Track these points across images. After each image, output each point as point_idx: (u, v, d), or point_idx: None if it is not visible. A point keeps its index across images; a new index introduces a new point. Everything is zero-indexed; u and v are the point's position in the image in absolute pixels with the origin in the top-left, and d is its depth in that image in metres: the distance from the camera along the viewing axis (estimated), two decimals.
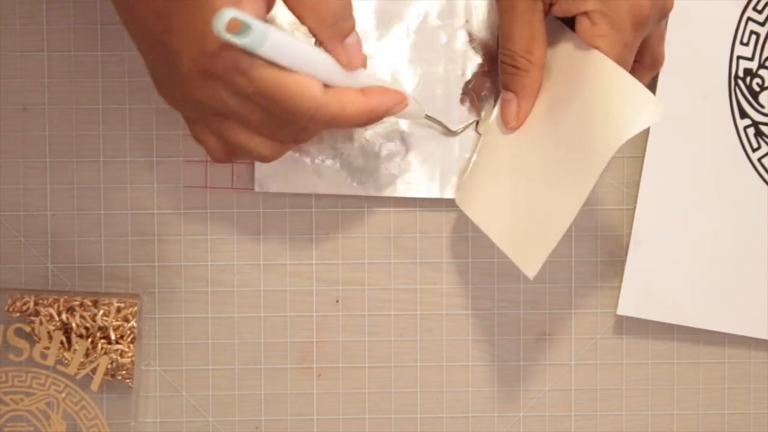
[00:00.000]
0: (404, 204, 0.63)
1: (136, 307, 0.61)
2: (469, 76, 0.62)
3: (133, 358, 0.61)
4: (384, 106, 0.56)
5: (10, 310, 0.61)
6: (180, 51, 0.52)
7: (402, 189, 0.62)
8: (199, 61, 0.51)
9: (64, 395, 0.62)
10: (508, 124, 0.60)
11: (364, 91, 0.55)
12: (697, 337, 0.65)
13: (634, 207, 0.64)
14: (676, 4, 0.62)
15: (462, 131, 0.62)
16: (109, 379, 0.62)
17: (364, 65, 0.56)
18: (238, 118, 0.54)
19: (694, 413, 0.65)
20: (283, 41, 0.50)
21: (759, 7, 0.63)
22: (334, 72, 0.53)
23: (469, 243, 0.64)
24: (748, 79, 0.63)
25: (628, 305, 0.64)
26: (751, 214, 0.64)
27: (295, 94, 0.52)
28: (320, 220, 0.63)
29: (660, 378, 0.65)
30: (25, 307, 0.61)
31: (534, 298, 0.64)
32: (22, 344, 0.61)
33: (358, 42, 0.55)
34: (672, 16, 0.63)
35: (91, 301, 0.61)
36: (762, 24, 0.63)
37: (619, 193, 0.64)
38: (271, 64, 0.51)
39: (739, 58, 0.63)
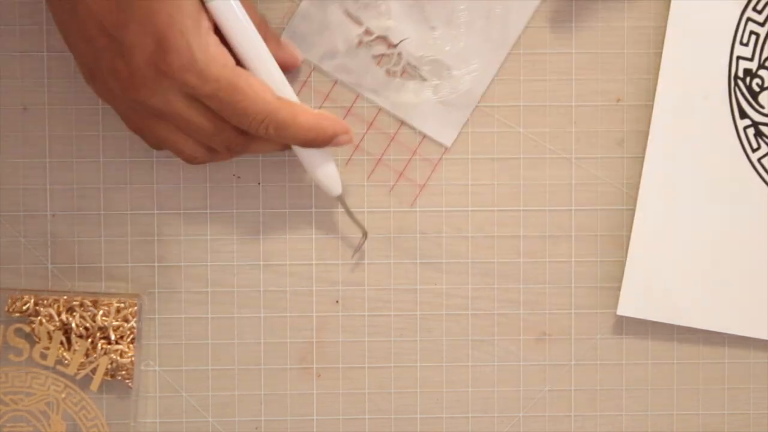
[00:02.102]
0: (404, 204, 0.63)
1: (136, 308, 0.61)
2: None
3: (132, 359, 0.61)
4: (332, 129, 0.57)
5: (10, 310, 0.61)
6: (134, 46, 0.52)
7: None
8: (154, 57, 0.52)
9: (64, 395, 0.62)
10: None
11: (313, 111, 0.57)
12: (697, 337, 0.65)
13: (634, 207, 0.64)
14: (675, 3, 0.63)
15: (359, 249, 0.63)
16: (109, 379, 0.62)
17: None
18: (177, 120, 0.55)
19: (694, 413, 0.65)
20: (234, 8, 0.53)
21: (759, 8, 0.63)
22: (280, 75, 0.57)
23: (469, 243, 0.64)
24: (747, 80, 0.63)
25: (628, 305, 0.64)
26: (751, 214, 0.64)
27: (248, 96, 0.54)
28: (320, 220, 0.63)
29: (660, 378, 0.65)
30: (25, 307, 0.61)
31: (534, 298, 0.64)
32: (22, 344, 0.61)
33: (291, 43, 0.60)
34: (672, 16, 0.63)
35: (91, 301, 0.61)
36: (762, 24, 0.63)
37: (619, 193, 0.64)
38: (226, 64, 0.53)
39: (738, 58, 0.63)
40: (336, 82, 0.62)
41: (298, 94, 0.60)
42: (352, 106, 0.63)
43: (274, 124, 0.55)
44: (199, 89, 0.53)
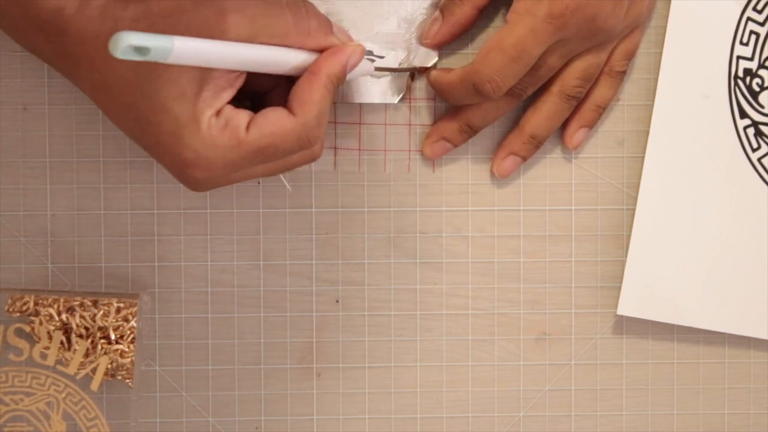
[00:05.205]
0: (404, 204, 0.63)
1: (135, 307, 0.61)
2: None
3: (133, 358, 0.61)
4: (339, 65, 0.55)
5: (10, 310, 0.61)
6: (163, 165, 0.54)
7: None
8: (181, 174, 0.53)
9: (64, 395, 0.62)
10: (423, 39, 0.61)
11: (312, 70, 0.54)
12: (697, 337, 0.65)
13: (634, 207, 0.64)
14: (675, 3, 0.62)
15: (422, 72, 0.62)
16: (109, 379, 0.62)
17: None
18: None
19: (694, 413, 0.65)
20: (199, 44, 0.49)
21: (759, 7, 0.63)
22: (270, 55, 0.53)
23: (469, 243, 0.64)
24: (747, 79, 0.63)
25: (628, 305, 0.64)
26: (750, 214, 0.64)
27: (276, 145, 0.53)
28: (320, 220, 0.63)
29: (660, 378, 0.65)
30: (25, 307, 0.61)
31: (534, 298, 0.64)
32: (22, 344, 0.61)
33: (340, 28, 0.57)
34: (672, 16, 0.63)
35: (91, 301, 0.61)
36: (762, 24, 0.63)
37: (619, 193, 0.64)
38: (239, 142, 0.52)
39: (739, 58, 0.63)
40: None
41: None
42: (335, 120, 0.63)
43: (316, 138, 0.54)
44: (236, 170, 0.53)
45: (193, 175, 0.52)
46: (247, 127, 0.52)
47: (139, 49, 0.45)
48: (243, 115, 0.52)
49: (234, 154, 0.52)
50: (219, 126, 0.52)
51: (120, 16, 0.51)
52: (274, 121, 0.53)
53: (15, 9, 0.53)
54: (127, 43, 0.44)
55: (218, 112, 0.52)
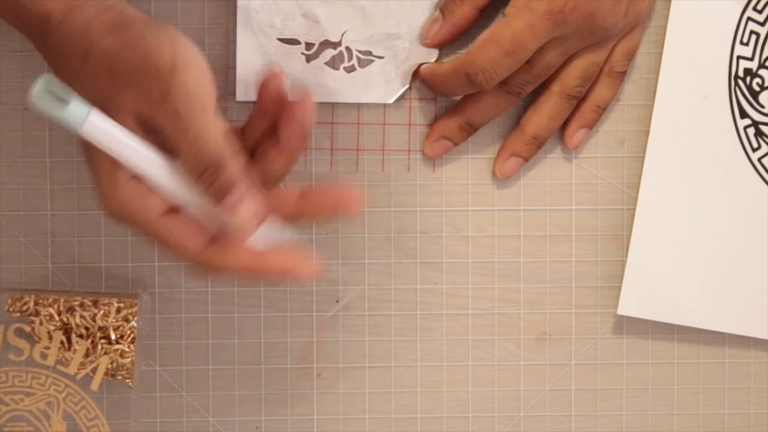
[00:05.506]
0: (404, 204, 0.63)
1: (136, 307, 0.61)
2: None
3: (133, 358, 0.61)
4: (279, 269, 0.52)
5: (10, 310, 0.61)
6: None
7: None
8: (112, 215, 0.52)
9: (64, 395, 0.62)
10: (423, 39, 0.61)
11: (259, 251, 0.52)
12: (697, 337, 0.65)
13: (634, 207, 0.64)
14: (676, 3, 0.62)
15: None
16: (109, 379, 0.62)
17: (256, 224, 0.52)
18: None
19: (694, 413, 0.65)
20: (112, 129, 0.47)
21: (759, 7, 0.63)
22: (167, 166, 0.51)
23: (469, 243, 0.64)
24: (748, 79, 0.63)
25: (628, 305, 0.64)
26: (751, 214, 0.64)
27: (170, 246, 0.51)
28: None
29: (660, 378, 0.65)
30: (25, 307, 0.61)
31: (534, 298, 0.64)
32: (22, 344, 0.61)
33: (247, 198, 0.51)
34: (672, 16, 0.63)
35: (91, 301, 0.61)
36: (762, 24, 0.63)
37: (619, 193, 0.64)
38: (147, 219, 0.50)
39: (739, 57, 0.63)
40: None
41: None
42: (333, 120, 0.63)
43: (203, 272, 0.53)
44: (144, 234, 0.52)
45: (112, 217, 0.51)
46: (161, 212, 0.51)
47: (58, 100, 0.44)
48: (159, 198, 0.51)
49: (139, 225, 0.51)
50: (134, 194, 0.51)
51: (95, 40, 0.51)
52: (180, 231, 0.52)
53: (8, 14, 0.53)
54: (47, 85, 0.43)
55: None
